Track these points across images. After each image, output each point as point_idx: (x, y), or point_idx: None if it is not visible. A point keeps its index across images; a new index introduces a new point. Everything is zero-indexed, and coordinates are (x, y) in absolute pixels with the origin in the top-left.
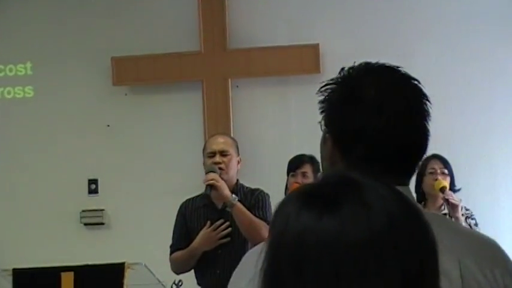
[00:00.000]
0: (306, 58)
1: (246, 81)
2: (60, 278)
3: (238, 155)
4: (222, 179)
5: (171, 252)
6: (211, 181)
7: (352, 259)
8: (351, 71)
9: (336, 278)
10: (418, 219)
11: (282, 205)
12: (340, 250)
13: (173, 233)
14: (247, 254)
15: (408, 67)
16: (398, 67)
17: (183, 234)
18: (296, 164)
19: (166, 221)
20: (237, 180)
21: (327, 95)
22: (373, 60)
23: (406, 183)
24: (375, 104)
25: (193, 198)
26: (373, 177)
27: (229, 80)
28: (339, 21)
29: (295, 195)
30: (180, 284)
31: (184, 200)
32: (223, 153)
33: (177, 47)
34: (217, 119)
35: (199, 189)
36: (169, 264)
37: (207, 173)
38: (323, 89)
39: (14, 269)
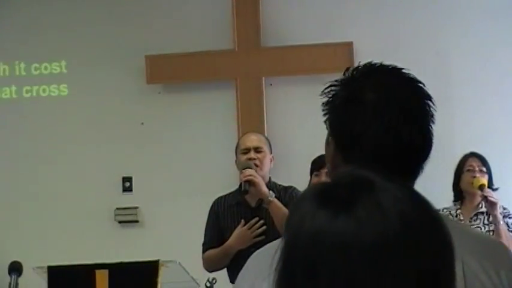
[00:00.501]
0: (339, 56)
1: (279, 80)
2: (95, 276)
3: (271, 152)
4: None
5: (204, 251)
6: (250, 177)
7: (367, 261)
8: (354, 72)
9: (351, 281)
10: (433, 219)
11: (298, 204)
12: (355, 252)
13: (205, 231)
14: (252, 257)
15: (443, 64)
16: (401, 68)
17: (215, 233)
18: (320, 163)
19: (200, 219)
20: (270, 178)
21: (330, 97)
22: (407, 58)
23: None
24: (375, 108)
25: (225, 196)
26: (386, 177)
27: (263, 78)
28: (373, 19)
29: (311, 194)
30: (213, 281)
31: (216, 197)
32: (257, 150)
33: (211, 45)
34: (251, 117)
35: (233, 188)
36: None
37: (243, 169)
38: (327, 90)
39: (49, 266)
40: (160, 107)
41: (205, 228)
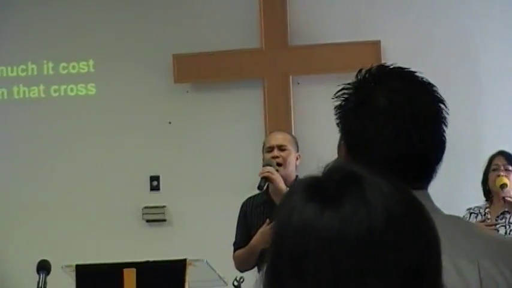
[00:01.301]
0: (367, 55)
1: (306, 78)
2: (123, 274)
3: (298, 151)
4: (280, 173)
5: (234, 250)
6: (266, 173)
7: (350, 257)
8: (366, 75)
9: (335, 276)
10: (420, 217)
11: (287, 197)
12: (339, 247)
13: (236, 231)
14: None
15: (471, 64)
16: (414, 72)
17: (244, 232)
18: None
19: (227, 217)
20: (297, 176)
21: (343, 100)
22: (435, 57)
23: (423, 187)
24: (387, 113)
25: (254, 196)
26: (379, 173)
27: (290, 77)
28: (401, 18)
29: (300, 188)
30: (241, 280)
31: (244, 197)
32: (281, 148)
33: (238, 44)
34: (278, 116)
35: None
36: (230, 260)
37: (263, 166)
38: (339, 93)
39: (77, 265)
40: (188, 106)
41: (236, 228)
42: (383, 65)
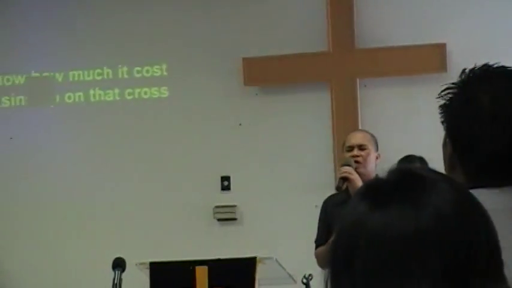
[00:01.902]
0: (432, 57)
1: (373, 81)
2: (195, 272)
3: (377, 150)
4: (359, 172)
5: (316, 247)
6: (345, 174)
7: (395, 255)
8: (471, 75)
9: (381, 272)
10: (473, 218)
11: (354, 195)
12: (384, 245)
13: (317, 229)
14: None
15: None
16: None
17: (325, 230)
18: (405, 163)
19: (296, 216)
20: (376, 175)
21: (448, 100)
22: (501, 60)
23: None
24: (490, 113)
25: (334, 194)
26: (441, 174)
27: (357, 79)
28: (467, 20)
29: (363, 187)
30: (310, 278)
31: (312, 196)
32: (361, 147)
33: (306, 48)
34: (345, 118)
35: (327, 186)
36: (299, 258)
37: (342, 166)
38: (444, 93)
39: (151, 263)
40: (258, 108)
41: (317, 226)
42: (487, 65)
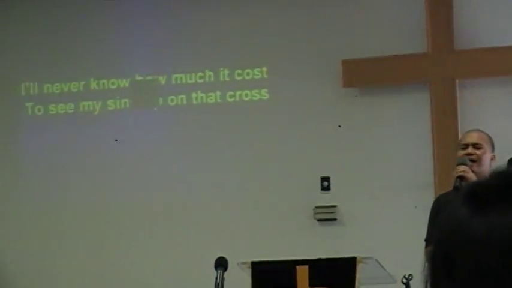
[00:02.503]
0: None
1: (473, 82)
2: (296, 271)
3: (493, 151)
4: (473, 171)
5: (426, 246)
6: (461, 173)
7: (495, 262)
8: None
9: (481, 279)
10: None
11: (454, 198)
12: (484, 252)
13: (427, 227)
14: None
15: None
16: None
17: (434, 229)
18: None
19: (395, 216)
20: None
21: None
22: None
23: None
24: None
25: (446, 193)
26: None
27: (457, 80)
28: None
29: (464, 190)
30: (410, 278)
31: (411, 196)
32: (476, 146)
33: (405, 49)
34: (445, 119)
35: (426, 187)
36: (399, 258)
37: (457, 165)
38: None
39: (252, 262)
40: (357, 109)
41: (428, 224)
42: None
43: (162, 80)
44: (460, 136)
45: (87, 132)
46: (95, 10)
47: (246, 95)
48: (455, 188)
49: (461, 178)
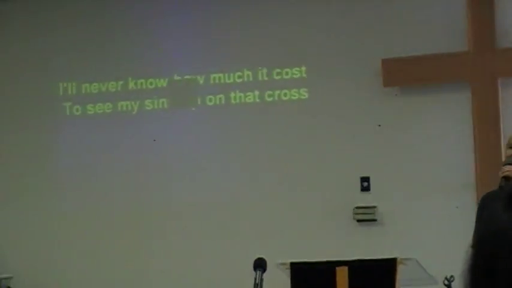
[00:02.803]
0: None
1: None
2: (335, 272)
3: None
4: None
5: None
6: (506, 173)
7: None
8: None
9: None
10: None
11: (490, 203)
12: None
13: (475, 226)
14: None
15: None
16: None
17: None
18: None
19: (436, 217)
20: None
21: None
22: None
23: None
24: None
25: (492, 192)
26: None
27: (498, 79)
28: None
29: (502, 195)
30: (452, 279)
31: (452, 196)
32: None
33: (445, 48)
34: (486, 118)
35: (468, 187)
36: (440, 259)
37: (503, 165)
38: None
39: (291, 263)
40: (397, 109)
41: (475, 223)
42: None
43: (200, 79)
44: (502, 135)
45: (125, 132)
46: (134, 10)
47: (285, 95)
48: (501, 188)
49: (506, 178)
